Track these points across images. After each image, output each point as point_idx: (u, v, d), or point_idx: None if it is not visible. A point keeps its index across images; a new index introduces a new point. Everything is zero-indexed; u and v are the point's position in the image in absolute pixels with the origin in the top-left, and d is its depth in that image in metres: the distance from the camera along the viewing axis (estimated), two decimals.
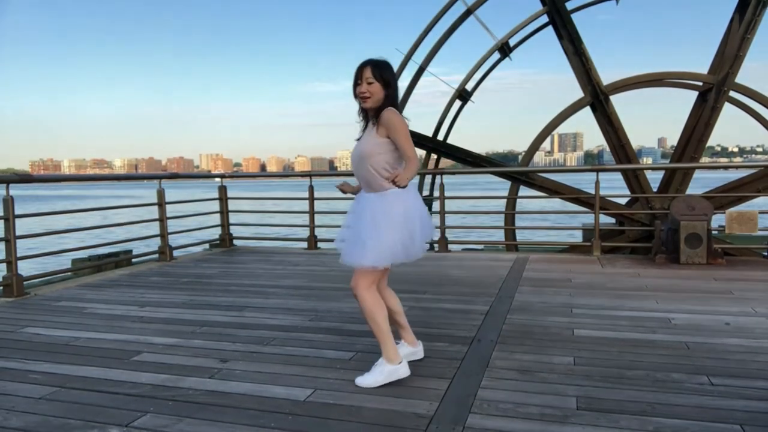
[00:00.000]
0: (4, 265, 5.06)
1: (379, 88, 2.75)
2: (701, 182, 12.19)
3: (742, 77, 8.41)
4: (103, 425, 2.35)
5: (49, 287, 5.35)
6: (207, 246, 8.14)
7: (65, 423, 2.38)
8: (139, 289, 5.19)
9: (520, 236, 12.91)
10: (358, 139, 2.88)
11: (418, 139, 9.66)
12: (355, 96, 2.83)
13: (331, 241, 8.72)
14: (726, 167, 11.68)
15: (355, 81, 2.80)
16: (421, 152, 10.38)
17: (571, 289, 4.81)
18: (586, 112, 9.11)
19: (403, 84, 9.73)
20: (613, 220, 9.67)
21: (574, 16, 8.84)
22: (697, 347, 3.20)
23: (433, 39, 9.61)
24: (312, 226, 7.78)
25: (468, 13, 9.51)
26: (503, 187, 9.34)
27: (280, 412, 2.45)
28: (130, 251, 7.62)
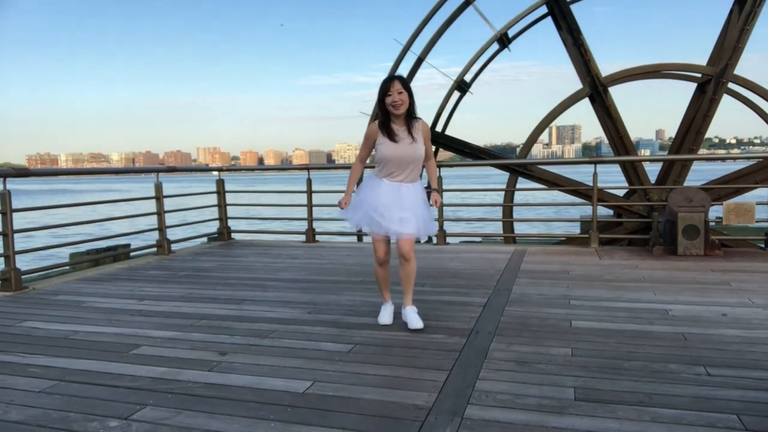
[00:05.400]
0: (2, 260, 5.05)
1: (407, 96, 3.42)
2: (699, 174, 12.20)
3: (740, 69, 8.40)
4: (102, 418, 2.36)
5: (47, 281, 5.35)
6: (205, 239, 8.14)
7: (65, 416, 2.39)
8: (137, 282, 5.19)
9: (518, 228, 12.93)
10: (394, 140, 3.48)
11: None
12: (384, 106, 3.45)
13: (329, 234, 8.71)
14: (724, 159, 11.70)
15: (385, 93, 3.41)
16: None
17: (568, 281, 4.82)
18: (585, 104, 9.08)
19: None
20: (611, 212, 9.68)
21: (573, 8, 8.81)
22: (695, 338, 3.22)
23: (431, 30, 9.57)
24: (310, 220, 7.78)
25: (467, 3, 9.46)
26: (501, 179, 9.34)
27: (279, 404, 2.46)
28: (128, 245, 7.62)
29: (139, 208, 7.34)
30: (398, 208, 3.46)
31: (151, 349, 3.25)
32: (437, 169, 3.80)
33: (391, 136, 3.48)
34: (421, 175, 3.72)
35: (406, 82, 3.47)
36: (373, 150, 3.63)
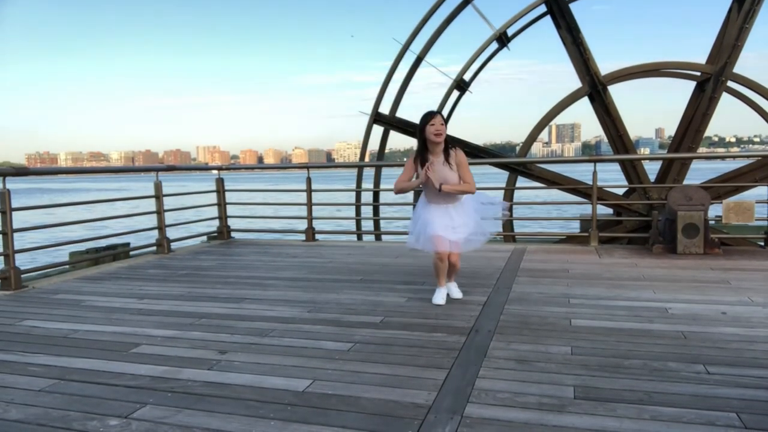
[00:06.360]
0: (1, 259, 5.05)
1: (445, 129, 3.99)
2: (699, 172, 12.21)
3: (739, 67, 8.41)
4: (102, 417, 2.36)
5: (47, 280, 5.35)
6: (205, 238, 8.14)
7: (65, 415, 2.39)
8: (137, 281, 5.19)
9: (518, 227, 12.93)
10: (421, 167, 4.01)
11: (416, 130, 9.63)
12: (423, 136, 3.99)
13: (329, 233, 8.72)
14: (723, 157, 11.72)
15: (427, 122, 3.95)
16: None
17: (568, 280, 4.82)
18: (584, 103, 9.10)
19: (400, 75, 9.68)
20: (610, 211, 9.69)
21: (572, 6, 8.81)
22: (694, 336, 3.22)
23: (431, 29, 9.58)
24: (310, 218, 7.78)
25: (466, 2, 9.46)
26: (501, 178, 9.35)
27: (279, 402, 2.46)
28: (128, 244, 7.61)
29: (138, 207, 7.34)
30: (450, 229, 4.01)
31: (151, 347, 3.25)
32: (468, 190, 4.09)
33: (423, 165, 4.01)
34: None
35: (444, 119, 4.08)
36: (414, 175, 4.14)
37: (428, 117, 3.99)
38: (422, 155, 4.04)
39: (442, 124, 3.97)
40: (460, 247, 4.10)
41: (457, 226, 4.04)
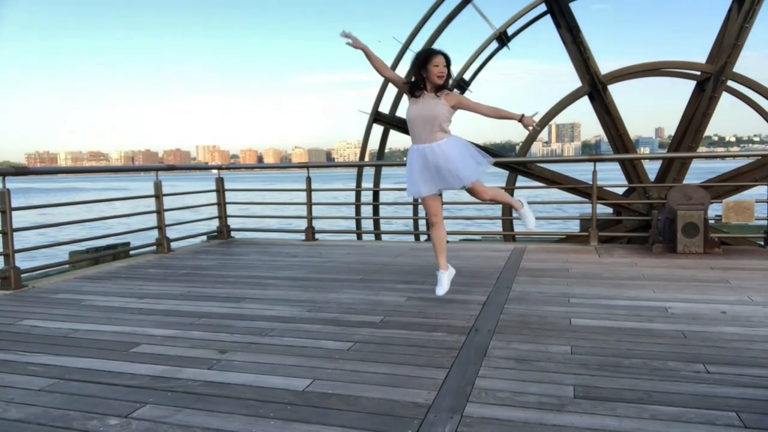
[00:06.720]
0: (1, 258, 5.05)
1: (447, 71, 3.86)
2: (698, 172, 12.21)
3: (739, 67, 8.40)
4: (102, 416, 2.36)
5: (46, 280, 5.35)
6: (204, 238, 8.14)
7: (65, 414, 2.39)
8: (137, 281, 5.19)
9: (518, 226, 12.91)
10: (415, 98, 3.90)
11: None
12: (427, 72, 3.82)
13: (329, 232, 8.72)
14: (723, 156, 11.73)
15: (431, 61, 3.80)
16: None
17: (568, 279, 4.83)
18: (584, 102, 9.10)
19: (400, 74, 9.70)
20: (610, 210, 9.69)
21: (572, 5, 8.81)
22: (694, 336, 3.22)
23: (431, 28, 9.58)
24: (309, 218, 7.78)
25: (466, 2, 9.47)
26: (501, 177, 9.35)
27: (279, 402, 2.46)
28: (128, 244, 7.62)
29: (138, 206, 7.34)
30: (433, 170, 3.88)
31: (151, 347, 3.25)
32: (491, 107, 3.98)
33: (413, 92, 3.90)
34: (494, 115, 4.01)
35: (450, 61, 3.88)
36: (393, 76, 4.29)
37: (432, 55, 3.84)
38: (416, 89, 3.89)
39: (446, 66, 3.85)
40: (473, 176, 3.93)
41: (432, 167, 3.88)
